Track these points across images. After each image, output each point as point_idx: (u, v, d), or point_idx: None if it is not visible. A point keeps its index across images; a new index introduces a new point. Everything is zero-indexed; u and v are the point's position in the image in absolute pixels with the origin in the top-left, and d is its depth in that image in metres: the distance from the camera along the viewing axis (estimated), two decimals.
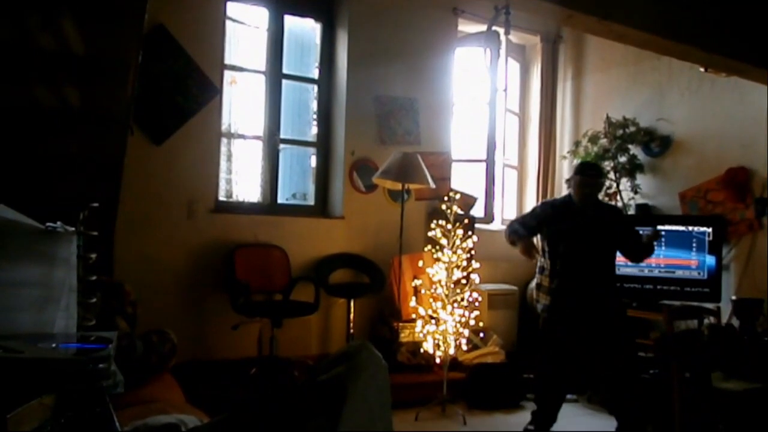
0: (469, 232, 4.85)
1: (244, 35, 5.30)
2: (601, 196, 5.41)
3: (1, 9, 2.66)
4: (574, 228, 3.97)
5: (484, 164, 6.13)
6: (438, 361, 4.73)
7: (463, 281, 4.73)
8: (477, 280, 4.76)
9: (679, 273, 5.10)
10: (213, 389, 4.19)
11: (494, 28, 5.69)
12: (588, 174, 4.02)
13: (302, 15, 5.52)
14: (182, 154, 4.69)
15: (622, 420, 3.97)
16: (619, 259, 4.19)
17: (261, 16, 5.32)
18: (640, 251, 4.13)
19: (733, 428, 3.76)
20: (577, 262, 3.95)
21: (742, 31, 4.37)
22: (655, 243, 4.15)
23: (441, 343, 4.67)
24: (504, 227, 6.33)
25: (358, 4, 5.42)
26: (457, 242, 4.73)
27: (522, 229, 4.12)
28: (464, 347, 4.83)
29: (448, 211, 4.77)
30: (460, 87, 6.11)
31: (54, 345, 1.46)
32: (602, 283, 3.98)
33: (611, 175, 5.74)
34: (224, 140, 5.07)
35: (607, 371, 4.04)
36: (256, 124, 5.28)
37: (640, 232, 4.19)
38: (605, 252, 4.04)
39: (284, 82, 5.39)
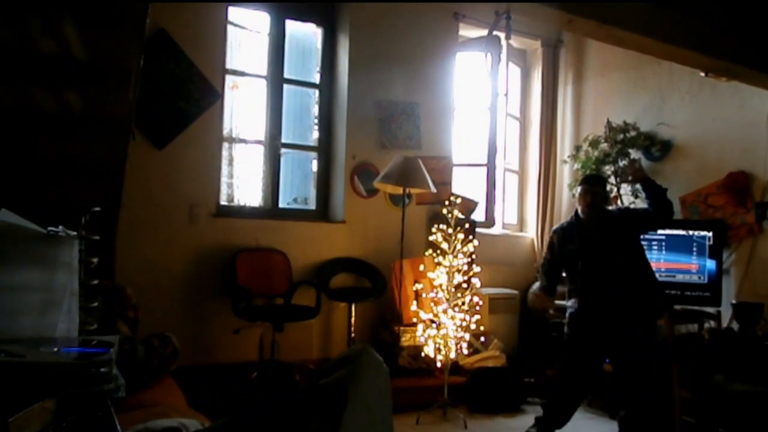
0: (470, 237, 4.86)
1: (246, 40, 5.31)
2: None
3: (2, 13, 2.67)
4: (585, 246, 3.94)
5: (485, 168, 6.13)
6: (439, 365, 4.74)
7: (464, 285, 4.73)
8: (478, 284, 4.77)
9: (679, 277, 5.10)
10: (214, 393, 4.19)
11: (495, 32, 5.71)
12: (589, 183, 4.05)
13: (304, 20, 5.53)
14: (184, 158, 4.70)
15: (630, 410, 3.91)
16: None
17: (262, 20, 5.33)
18: (656, 210, 3.97)
19: (734, 431, 3.77)
20: (596, 277, 3.90)
21: (742, 36, 4.38)
22: (648, 185, 3.99)
23: (442, 347, 4.67)
24: (506, 232, 6.41)
25: (359, 9, 5.43)
26: (458, 246, 4.74)
27: (545, 279, 4.19)
28: (465, 351, 4.83)
29: (449, 215, 4.78)
30: (461, 91, 6.12)
31: (56, 349, 1.46)
32: (628, 294, 3.85)
33: (612, 179, 5.74)
34: (226, 144, 5.08)
35: (625, 371, 3.98)
36: (257, 129, 5.29)
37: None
38: (626, 259, 3.92)
39: (285, 86, 5.41)
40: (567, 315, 4.06)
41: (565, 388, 4.03)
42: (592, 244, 3.93)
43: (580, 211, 4.03)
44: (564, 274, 4.12)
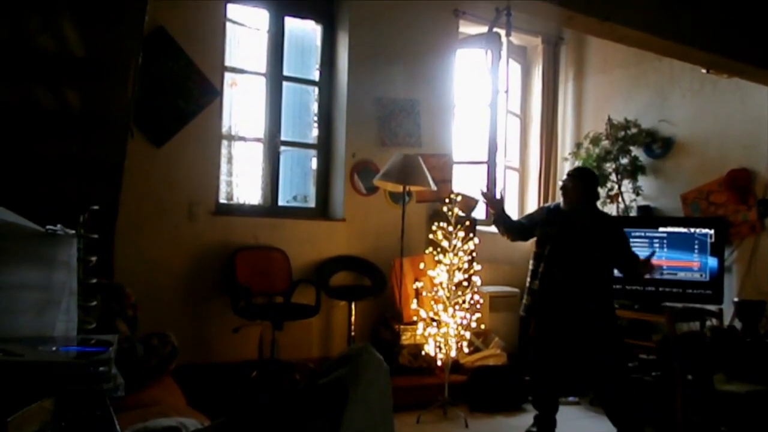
0: (471, 234, 4.85)
1: (245, 37, 5.30)
2: (603, 196, 5.46)
3: (0, 10, 2.66)
4: (560, 232, 4.00)
5: (485, 166, 6.12)
6: (439, 363, 4.73)
7: (465, 283, 4.72)
8: (478, 283, 4.76)
9: (681, 275, 5.09)
10: (214, 392, 4.18)
11: (495, 29, 5.69)
12: (568, 173, 4.15)
13: (303, 17, 5.51)
14: (183, 156, 4.69)
15: (619, 426, 3.94)
16: None
17: (261, 17, 5.32)
18: (630, 272, 4.07)
19: (736, 431, 3.75)
20: (559, 265, 3.96)
21: (743, 32, 4.37)
22: (647, 271, 4.00)
23: (442, 346, 4.66)
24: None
25: (358, 6, 5.42)
26: (459, 244, 4.72)
27: (513, 220, 4.29)
28: (466, 350, 4.82)
29: (450, 213, 4.77)
30: (461, 89, 6.11)
31: (54, 348, 1.45)
32: (585, 289, 3.91)
33: (613, 176, 5.74)
34: (225, 142, 5.06)
35: (595, 377, 4.05)
36: (256, 126, 5.28)
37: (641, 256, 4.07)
38: (592, 259, 3.96)
39: (285, 84, 5.39)
40: (522, 308, 4.17)
41: (535, 388, 4.13)
42: (566, 233, 3.99)
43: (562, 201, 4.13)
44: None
